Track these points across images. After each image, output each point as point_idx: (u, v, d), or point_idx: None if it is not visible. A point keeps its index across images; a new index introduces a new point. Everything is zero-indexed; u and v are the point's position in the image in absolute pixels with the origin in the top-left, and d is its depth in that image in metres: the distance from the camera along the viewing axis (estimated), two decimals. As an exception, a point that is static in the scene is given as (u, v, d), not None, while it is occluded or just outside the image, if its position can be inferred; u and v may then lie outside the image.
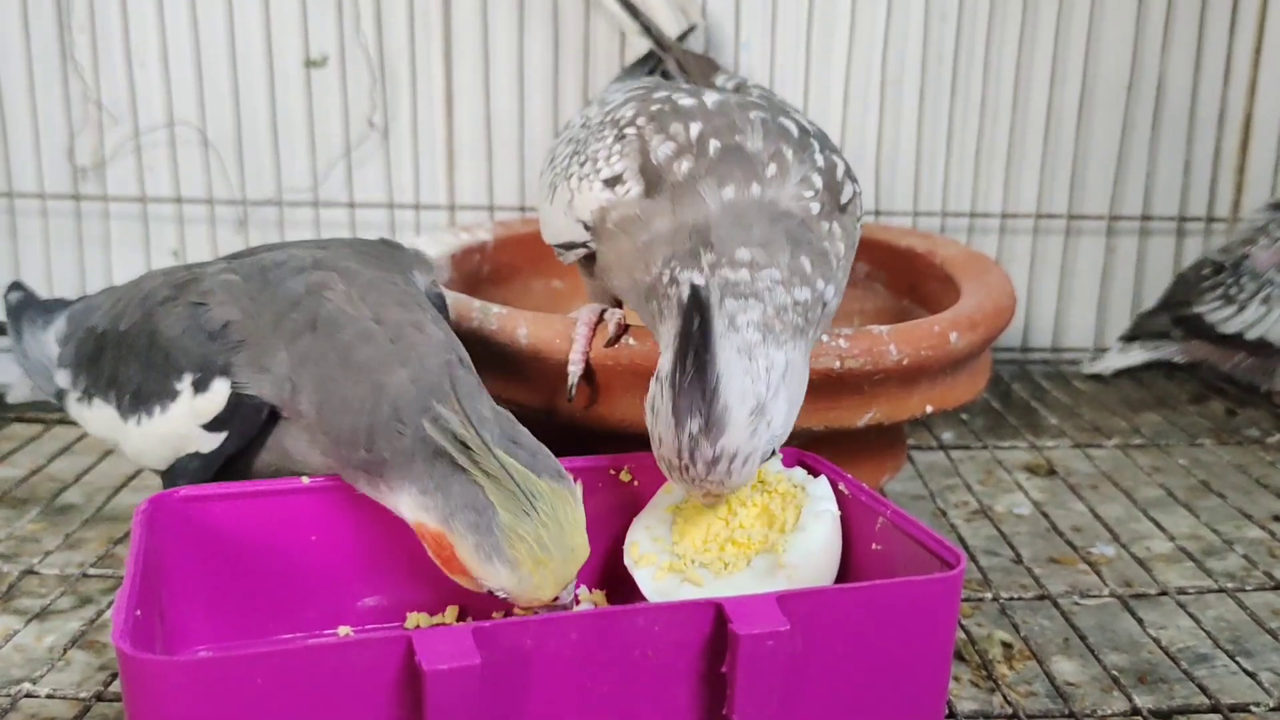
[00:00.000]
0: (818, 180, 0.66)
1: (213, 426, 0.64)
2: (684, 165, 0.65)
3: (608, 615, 0.51)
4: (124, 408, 0.69)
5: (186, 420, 0.65)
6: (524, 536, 0.57)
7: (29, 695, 0.63)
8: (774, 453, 0.60)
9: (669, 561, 0.63)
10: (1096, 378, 1.22)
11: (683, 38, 1.07)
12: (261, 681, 0.45)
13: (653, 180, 0.66)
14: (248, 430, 0.64)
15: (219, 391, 0.64)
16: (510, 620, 0.50)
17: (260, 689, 0.45)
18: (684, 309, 0.57)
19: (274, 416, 0.64)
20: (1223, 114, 1.22)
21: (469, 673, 0.46)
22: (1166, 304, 1.18)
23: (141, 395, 0.68)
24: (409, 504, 0.60)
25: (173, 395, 0.65)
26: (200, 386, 0.64)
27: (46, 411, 1.04)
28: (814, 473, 0.67)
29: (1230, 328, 1.12)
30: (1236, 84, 1.22)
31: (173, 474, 0.68)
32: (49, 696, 0.63)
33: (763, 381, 0.57)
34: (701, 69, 0.93)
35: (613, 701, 0.50)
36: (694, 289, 0.57)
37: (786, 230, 0.63)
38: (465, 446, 0.57)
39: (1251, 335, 1.11)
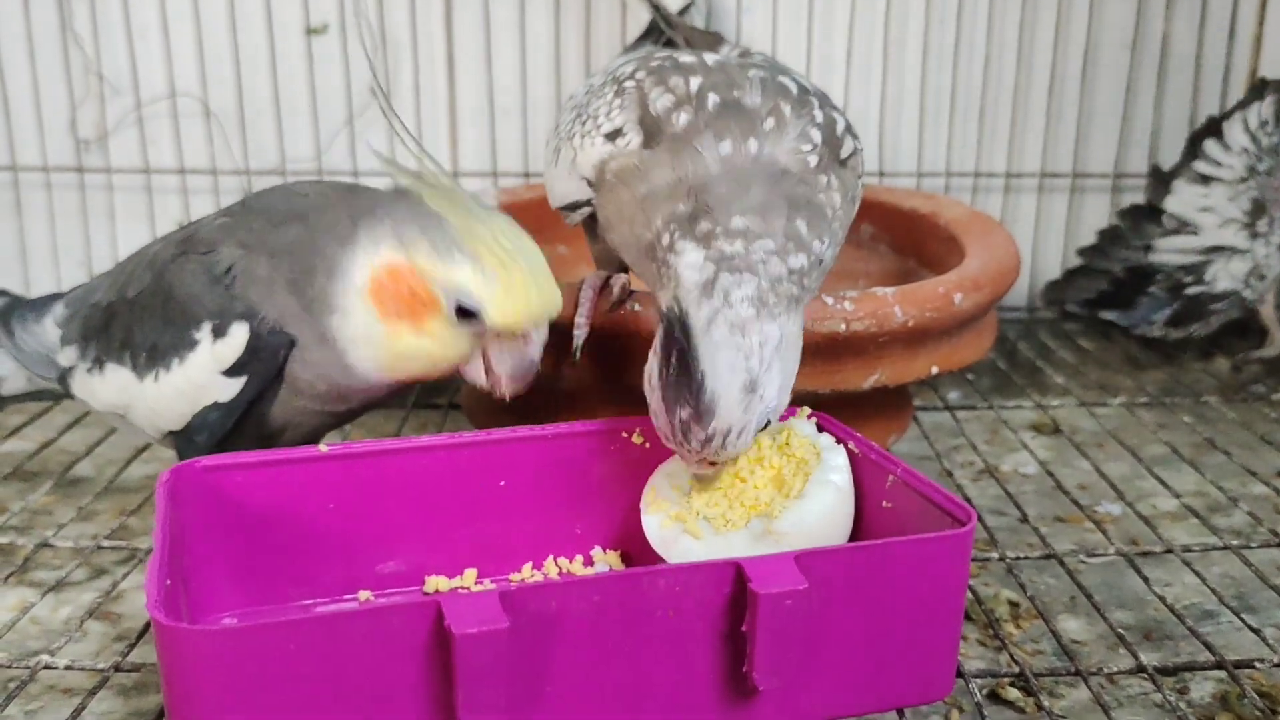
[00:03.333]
0: (816, 135, 0.66)
1: (233, 371, 0.66)
2: (682, 117, 0.65)
3: (630, 577, 0.51)
4: (140, 367, 0.69)
5: (207, 368, 0.66)
6: (479, 235, 0.59)
7: (47, 667, 0.63)
8: (769, 423, 0.61)
9: (677, 511, 0.64)
10: (1103, 334, 1.22)
11: (683, 11, 1.06)
12: (295, 647, 0.46)
13: (651, 131, 0.66)
14: (267, 371, 0.65)
15: (237, 335, 0.65)
16: (535, 584, 0.50)
17: (294, 654, 0.46)
18: (663, 325, 0.59)
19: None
20: (1228, 70, 1.22)
21: (498, 636, 0.47)
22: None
23: (159, 351, 0.68)
24: (361, 264, 0.62)
25: (191, 345, 0.66)
26: (219, 332, 0.66)
27: (42, 400, 1.04)
28: (838, 441, 0.67)
29: (1184, 184, 1.11)
30: (1242, 39, 1.21)
31: (190, 431, 0.69)
32: (67, 668, 0.64)
33: (755, 357, 0.58)
34: (707, 43, 0.93)
35: (636, 660, 0.51)
36: (668, 315, 0.58)
37: (785, 192, 0.63)
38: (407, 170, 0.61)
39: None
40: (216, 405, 0.67)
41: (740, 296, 0.58)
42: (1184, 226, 1.11)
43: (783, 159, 0.64)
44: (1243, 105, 1.14)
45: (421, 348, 0.63)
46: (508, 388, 0.64)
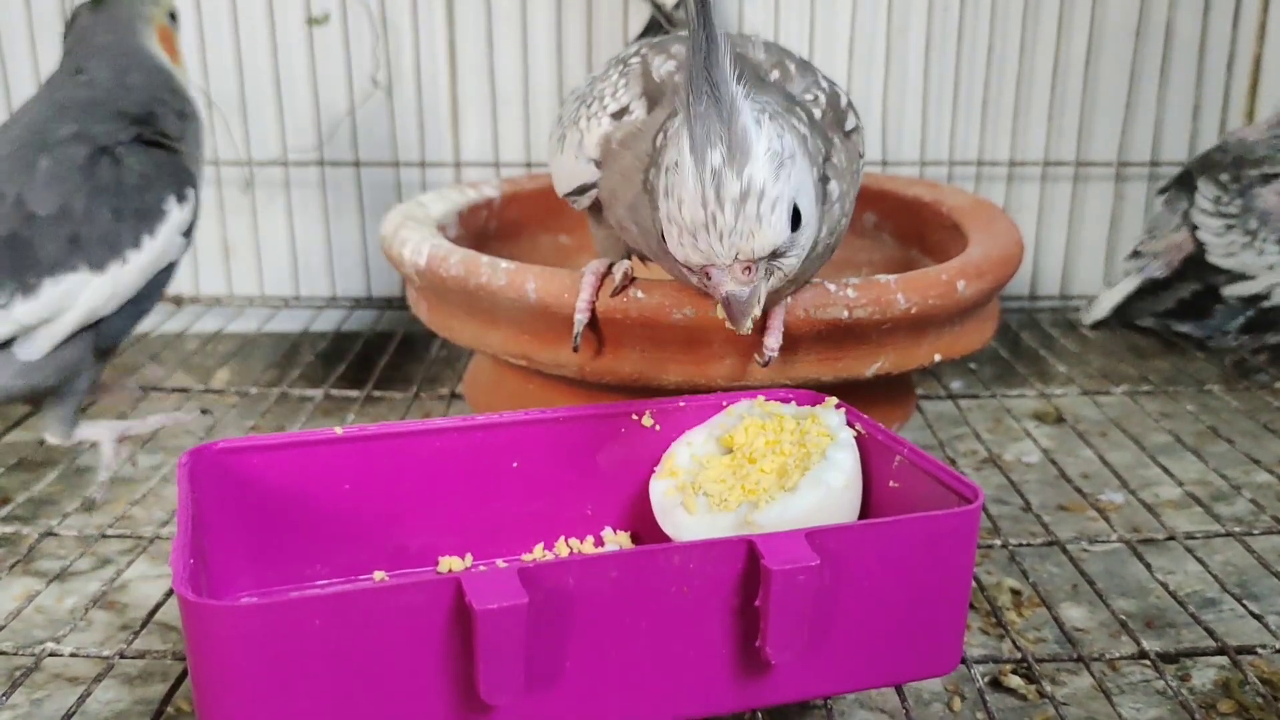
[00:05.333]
0: (822, 97, 0.65)
1: (187, 232, 0.83)
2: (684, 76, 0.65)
3: (646, 554, 0.52)
4: (97, 262, 0.78)
5: (175, 231, 0.82)
6: None
7: (52, 654, 0.64)
8: (801, 250, 0.57)
9: (683, 482, 0.64)
10: (1104, 325, 1.22)
11: (679, 5, 1.06)
12: (320, 623, 0.47)
13: (655, 98, 0.66)
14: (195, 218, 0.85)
15: (191, 196, 0.84)
16: (554, 561, 0.51)
17: (318, 630, 0.47)
18: (690, 15, 0.54)
19: None
20: (1232, 57, 1.21)
21: (517, 611, 0.47)
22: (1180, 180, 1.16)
23: (121, 237, 0.79)
24: (151, 53, 0.87)
25: (161, 216, 0.81)
26: (182, 198, 0.82)
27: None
28: (852, 427, 0.67)
29: (1217, 257, 1.11)
30: (1245, 27, 1.21)
31: (140, 300, 0.81)
32: (72, 655, 0.64)
33: (779, 140, 0.55)
34: None
35: (651, 635, 0.52)
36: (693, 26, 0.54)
37: (791, 106, 0.62)
38: None
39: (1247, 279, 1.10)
40: (170, 266, 0.83)
41: (758, 104, 0.57)
42: (1237, 274, 1.12)
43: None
44: (1189, 201, 1.14)
45: (183, 64, 0.91)
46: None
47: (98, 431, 0.85)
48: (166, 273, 0.83)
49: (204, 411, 0.94)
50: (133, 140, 0.81)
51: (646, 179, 0.63)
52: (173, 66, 0.89)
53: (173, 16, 0.91)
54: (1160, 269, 1.15)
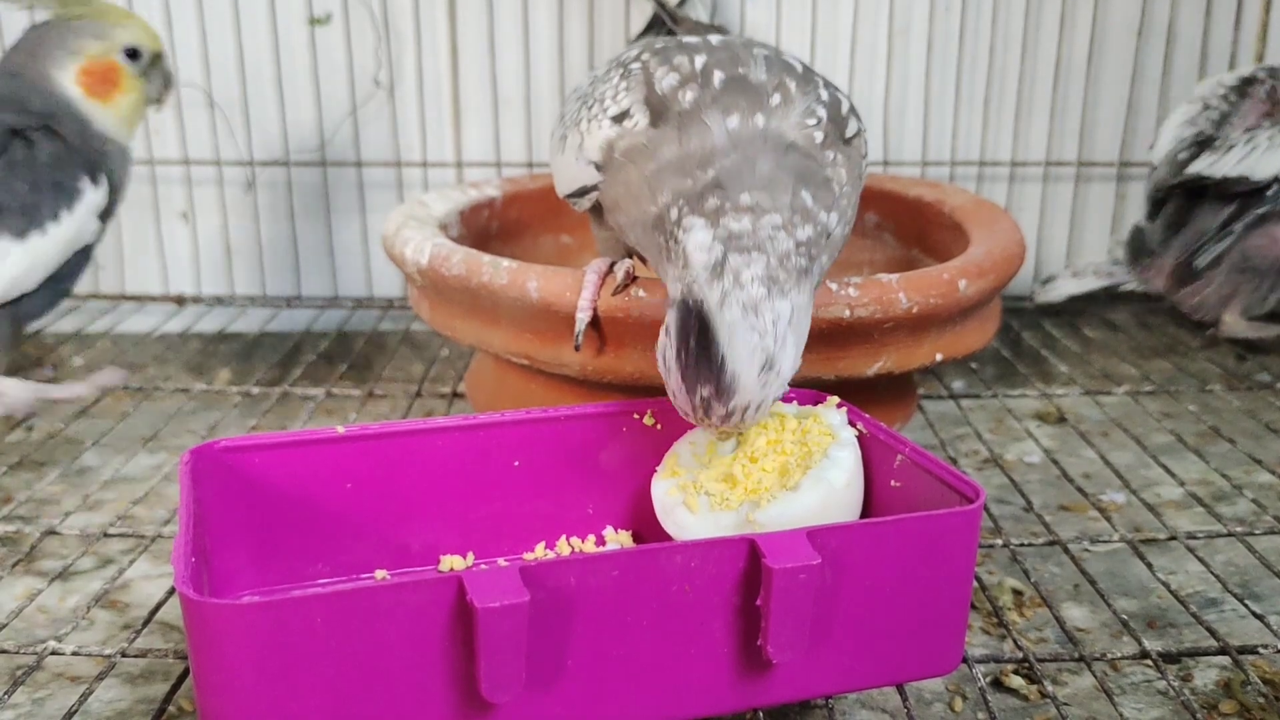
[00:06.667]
0: (821, 112, 0.66)
1: (103, 215, 0.87)
2: (689, 94, 0.65)
3: (647, 553, 0.52)
4: (17, 229, 0.82)
5: (89, 213, 0.85)
6: (107, 12, 0.88)
7: (54, 653, 0.64)
8: (786, 392, 0.62)
9: (685, 481, 0.64)
10: (1107, 323, 1.22)
11: (682, 3, 1.06)
12: (322, 621, 0.47)
13: (658, 110, 0.66)
14: (115, 206, 0.89)
15: (104, 182, 0.87)
16: (555, 559, 0.51)
17: (321, 629, 0.47)
18: (680, 310, 0.59)
19: None
20: (1234, 58, 1.21)
21: (519, 610, 0.48)
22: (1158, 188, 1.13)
23: (40, 208, 0.83)
24: (68, 89, 0.86)
25: (76, 194, 0.84)
26: (95, 180, 0.86)
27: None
28: (853, 426, 0.67)
29: (1218, 170, 1.07)
30: (1248, 27, 1.21)
31: (58, 279, 0.85)
32: (74, 654, 0.64)
33: (770, 335, 0.58)
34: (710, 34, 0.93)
35: (653, 634, 0.52)
36: (682, 300, 0.59)
37: (791, 165, 0.63)
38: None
39: (1234, 172, 1.07)
40: (86, 249, 0.86)
41: (750, 276, 0.59)
42: None
43: (790, 134, 0.64)
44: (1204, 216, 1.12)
45: (130, 101, 0.89)
46: (166, 98, 0.92)
47: (10, 384, 0.87)
48: (84, 254, 0.87)
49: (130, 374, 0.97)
50: (41, 128, 0.85)
51: (656, 225, 0.64)
52: (89, 102, 0.87)
53: (132, 55, 0.88)
54: (1136, 283, 1.15)
